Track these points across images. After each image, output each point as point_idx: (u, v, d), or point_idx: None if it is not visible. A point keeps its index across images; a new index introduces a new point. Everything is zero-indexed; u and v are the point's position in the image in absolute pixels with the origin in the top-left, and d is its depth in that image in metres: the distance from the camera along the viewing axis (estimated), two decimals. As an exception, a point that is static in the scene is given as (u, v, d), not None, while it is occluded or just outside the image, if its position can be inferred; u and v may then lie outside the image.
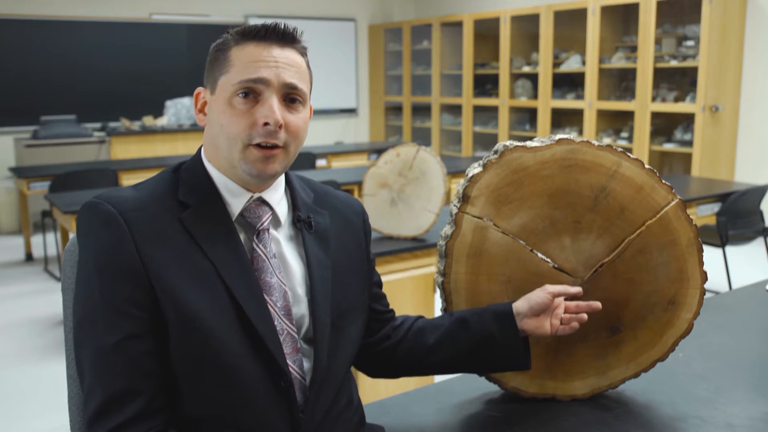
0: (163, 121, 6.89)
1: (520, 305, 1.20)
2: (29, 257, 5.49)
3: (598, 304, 1.21)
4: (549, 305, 1.18)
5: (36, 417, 2.89)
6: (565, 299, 1.20)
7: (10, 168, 5.43)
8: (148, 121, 6.86)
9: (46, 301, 4.40)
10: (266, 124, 1.01)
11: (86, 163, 5.58)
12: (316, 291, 1.08)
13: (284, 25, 1.06)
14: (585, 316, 1.20)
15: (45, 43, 6.89)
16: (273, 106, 1.02)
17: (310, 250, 1.10)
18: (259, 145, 1.02)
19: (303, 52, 1.09)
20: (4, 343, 3.71)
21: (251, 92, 1.02)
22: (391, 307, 1.29)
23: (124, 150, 6.51)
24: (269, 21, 1.07)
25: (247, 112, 1.02)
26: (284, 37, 1.06)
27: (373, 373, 1.28)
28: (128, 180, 5.07)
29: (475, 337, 1.20)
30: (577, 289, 1.21)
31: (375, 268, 1.26)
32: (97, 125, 6.97)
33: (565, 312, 1.20)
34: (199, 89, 1.10)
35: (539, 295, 1.19)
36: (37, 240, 5.87)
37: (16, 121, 6.80)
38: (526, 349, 1.21)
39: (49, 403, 3.00)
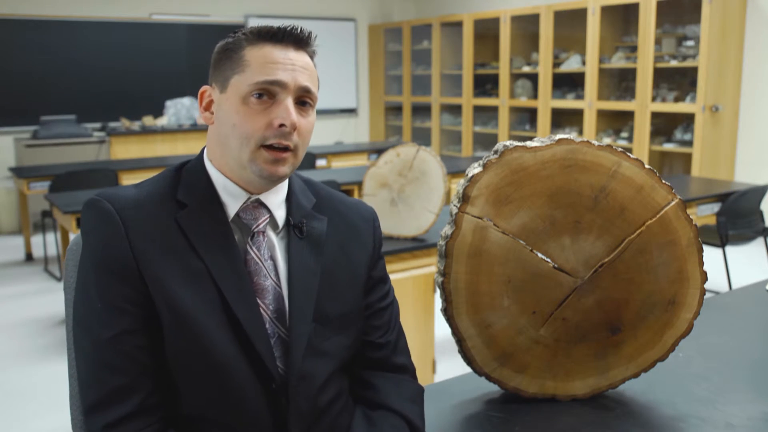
0: (163, 121, 6.89)
1: None
2: (29, 257, 5.49)
3: None
4: None
5: (36, 417, 2.89)
6: None
7: (10, 168, 5.43)
8: (148, 121, 6.86)
9: (46, 301, 4.40)
10: (282, 125, 1.01)
11: (86, 163, 5.58)
12: (294, 297, 1.07)
13: (300, 28, 1.06)
14: None
15: (45, 43, 6.89)
16: (289, 108, 1.02)
17: (294, 256, 1.09)
18: (270, 147, 1.02)
19: (313, 55, 1.09)
20: (4, 343, 3.71)
21: (266, 93, 1.02)
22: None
23: (124, 150, 6.52)
24: (264, 22, 1.07)
25: (262, 113, 1.02)
26: (300, 40, 1.06)
27: None
28: (128, 180, 5.07)
29: None
30: None
31: (386, 282, 1.21)
32: (97, 125, 6.97)
33: None
34: (205, 87, 1.09)
35: None
36: (37, 240, 5.87)
37: (16, 121, 6.80)
38: None
39: (49, 403, 3.00)
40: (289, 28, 1.05)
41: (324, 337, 1.09)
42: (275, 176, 1.04)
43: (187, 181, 1.07)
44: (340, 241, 1.15)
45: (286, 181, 1.13)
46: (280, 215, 1.11)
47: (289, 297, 1.07)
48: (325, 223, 1.14)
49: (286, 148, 1.03)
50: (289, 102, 1.02)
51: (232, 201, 1.06)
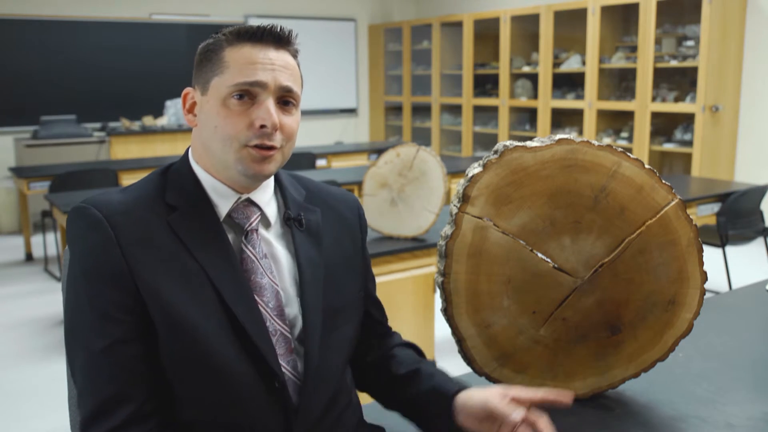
0: (163, 121, 6.89)
1: (463, 398, 1.09)
2: (29, 257, 5.49)
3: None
4: (489, 414, 1.05)
5: (36, 417, 2.89)
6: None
7: (10, 168, 5.44)
8: (148, 121, 6.86)
9: (46, 301, 4.40)
10: (263, 126, 1.01)
11: (86, 163, 5.58)
12: (306, 291, 1.07)
13: (280, 27, 1.06)
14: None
15: (45, 43, 6.89)
16: (270, 109, 1.01)
17: (301, 249, 1.09)
18: (255, 146, 1.02)
19: (295, 54, 1.09)
20: (4, 343, 3.71)
21: (247, 94, 1.02)
22: (388, 313, 1.27)
23: (124, 150, 6.52)
24: (264, 22, 1.07)
25: (243, 114, 1.01)
26: (280, 39, 1.05)
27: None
28: (128, 180, 5.07)
29: (415, 398, 1.15)
30: (538, 397, 1.07)
31: (371, 269, 1.25)
32: (97, 125, 6.97)
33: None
34: (188, 89, 1.09)
35: (479, 400, 1.06)
36: (37, 240, 5.86)
37: (16, 121, 6.80)
38: None
39: (49, 403, 3.00)
40: (268, 27, 1.04)
41: (333, 329, 1.09)
42: (261, 175, 1.04)
43: (175, 183, 1.06)
44: (334, 232, 1.16)
45: (272, 177, 1.13)
46: (271, 212, 1.11)
47: (301, 291, 1.07)
48: (319, 214, 1.15)
49: (271, 147, 1.03)
50: (270, 102, 1.02)
51: (223, 201, 1.06)
